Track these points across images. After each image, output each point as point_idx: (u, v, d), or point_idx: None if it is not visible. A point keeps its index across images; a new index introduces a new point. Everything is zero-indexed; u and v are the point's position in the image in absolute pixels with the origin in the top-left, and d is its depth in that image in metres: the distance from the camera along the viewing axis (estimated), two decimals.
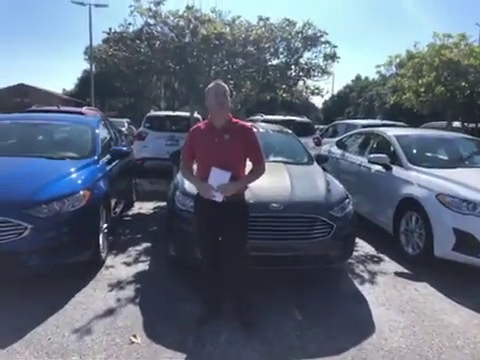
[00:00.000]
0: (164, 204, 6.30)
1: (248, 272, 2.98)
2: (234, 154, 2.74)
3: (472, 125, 11.03)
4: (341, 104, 41.04)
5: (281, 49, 7.55)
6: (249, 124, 2.91)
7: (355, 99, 38.47)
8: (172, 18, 7.18)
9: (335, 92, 45.16)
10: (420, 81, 10.29)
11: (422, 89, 10.38)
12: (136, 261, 4.16)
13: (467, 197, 3.98)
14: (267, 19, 7.48)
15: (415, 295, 3.61)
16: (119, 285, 3.56)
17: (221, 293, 3.08)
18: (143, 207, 6.55)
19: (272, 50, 7.44)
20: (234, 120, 2.83)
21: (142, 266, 4.04)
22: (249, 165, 2.87)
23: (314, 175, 4.21)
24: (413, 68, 10.37)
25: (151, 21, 7.20)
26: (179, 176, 4.13)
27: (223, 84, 2.77)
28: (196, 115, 9.12)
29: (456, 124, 11.19)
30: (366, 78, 43.79)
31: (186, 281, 3.64)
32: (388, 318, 3.16)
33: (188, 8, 7.20)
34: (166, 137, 8.92)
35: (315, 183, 3.94)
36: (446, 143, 5.79)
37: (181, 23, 7.17)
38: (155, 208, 6.58)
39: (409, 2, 64.64)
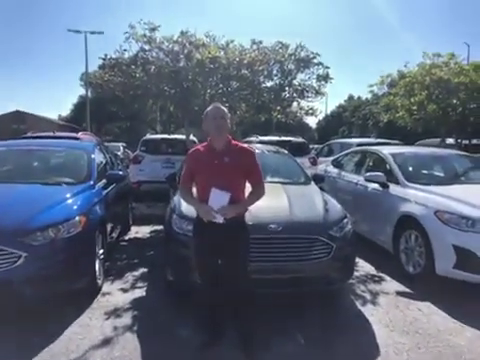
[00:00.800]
0: (161, 228, 6.24)
1: (252, 295, 2.91)
2: (234, 176, 2.72)
3: (465, 141, 11.15)
4: (335, 123, 41.55)
5: (275, 71, 7.68)
6: (248, 146, 2.90)
7: (348, 118, 38.98)
8: (167, 43, 7.31)
9: (329, 112, 45.81)
10: (412, 99, 10.46)
11: (414, 107, 10.53)
12: (133, 287, 4.08)
13: (466, 214, 3.96)
14: (260, 42, 7.64)
15: (418, 315, 3.54)
16: (116, 313, 3.47)
17: (222, 318, 3.00)
18: (140, 231, 6.48)
19: (266, 72, 7.56)
20: (234, 142, 2.82)
21: (139, 292, 3.95)
22: (248, 187, 2.85)
23: (312, 195, 4.19)
24: (405, 87, 10.56)
25: (146, 47, 7.31)
26: (176, 199, 4.09)
27: (221, 107, 2.78)
28: (192, 137, 9.17)
29: (450, 141, 11.31)
30: (359, 97, 44.52)
31: (185, 307, 3.55)
32: (393, 340, 3.09)
33: (182, 33, 7.34)
34: (162, 160, 8.92)
35: (313, 203, 3.92)
36: (441, 160, 5.83)
37: (175, 48, 7.28)
38: (152, 232, 6.51)
39: (397, 21, 66.40)
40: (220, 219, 2.65)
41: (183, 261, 3.47)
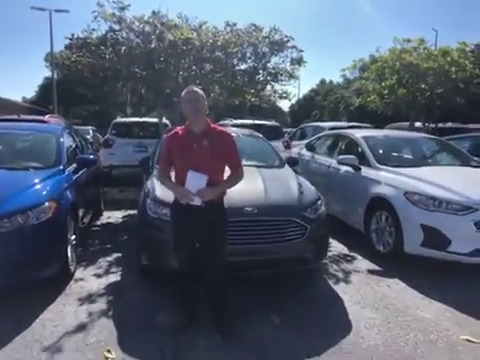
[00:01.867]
0: (134, 212, 6.14)
1: (227, 277, 2.94)
2: (212, 160, 2.70)
3: (432, 125, 11.51)
4: (307, 107, 41.90)
5: (248, 54, 7.59)
6: (227, 129, 2.87)
7: (320, 102, 39.37)
8: (137, 23, 7.06)
9: (301, 96, 46.06)
10: (383, 84, 10.66)
11: (385, 91, 10.75)
12: (107, 272, 4.02)
13: (433, 194, 4.12)
14: (234, 24, 7.52)
15: (388, 291, 3.69)
16: (90, 298, 3.41)
17: (197, 301, 3.02)
18: (112, 216, 6.37)
19: (240, 55, 7.47)
20: (212, 126, 2.80)
21: (113, 277, 3.90)
22: (227, 171, 2.84)
23: (286, 178, 4.23)
24: (376, 71, 10.73)
25: (116, 27, 7.04)
26: (149, 183, 4.04)
27: (197, 89, 2.74)
28: (164, 121, 9.00)
29: (418, 124, 11.64)
30: (331, 81, 45.04)
31: (160, 291, 3.54)
32: (363, 316, 3.21)
33: (154, 13, 7.11)
34: (134, 144, 8.75)
35: (288, 186, 3.95)
36: (410, 143, 6.00)
37: (147, 29, 7.06)
38: (125, 217, 6.41)
39: (369, 6, 66.95)
40: (198, 202, 2.63)
41: (158, 245, 3.44)
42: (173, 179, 2.85)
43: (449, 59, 9.77)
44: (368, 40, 62.24)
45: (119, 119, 10.70)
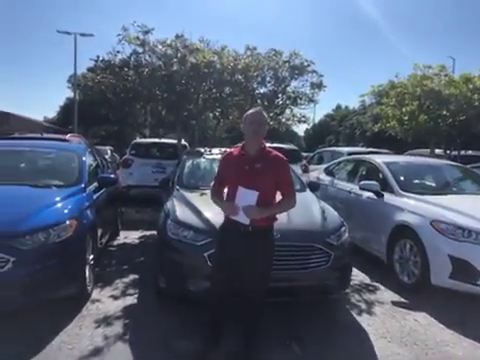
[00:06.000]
0: (151, 233, 6.14)
1: (265, 306, 2.84)
2: (264, 183, 2.65)
3: (454, 153, 11.32)
4: (322, 132, 41.92)
5: (268, 78, 7.65)
6: (283, 156, 2.82)
7: (336, 127, 39.35)
8: (160, 47, 7.23)
9: (316, 121, 46.21)
10: (404, 109, 10.57)
11: (406, 117, 10.65)
12: (124, 294, 3.94)
13: (462, 224, 3.96)
14: (254, 48, 7.62)
15: (415, 326, 3.51)
16: (106, 321, 3.33)
17: (224, 328, 2.90)
18: (129, 236, 6.33)
19: (260, 79, 7.54)
20: (268, 149, 2.76)
21: (130, 299, 3.82)
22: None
23: (309, 202, 4.14)
24: (396, 97, 10.67)
25: (139, 49, 7.22)
26: (170, 204, 4.01)
27: (262, 112, 2.75)
28: (183, 142, 9.07)
29: (438, 151, 11.46)
30: (346, 107, 45.08)
31: (177, 315, 3.44)
32: (391, 351, 3.04)
33: (177, 37, 7.28)
34: (152, 164, 8.81)
35: (311, 211, 3.86)
36: (434, 170, 5.86)
37: (169, 52, 7.21)
38: (141, 237, 6.37)
39: (386, 31, 67.77)
40: (246, 220, 2.57)
41: (177, 268, 3.37)
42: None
43: (471, 86, 9.68)
44: (383, 67, 62.62)
45: (139, 139, 10.83)
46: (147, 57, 7.31)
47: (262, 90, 7.88)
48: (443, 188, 5.38)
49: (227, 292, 2.82)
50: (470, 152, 11.55)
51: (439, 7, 67.30)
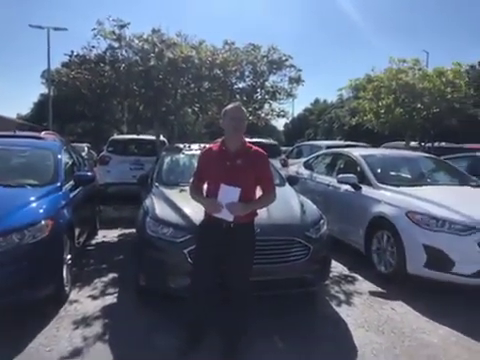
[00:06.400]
0: (129, 231, 6.07)
1: (251, 300, 2.85)
2: (245, 179, 2.65)
3: (428, 144, 11.61)
4: (301, 126, 42.27)
5: (247, 73, 7.63)
6: (263, 151, 2.81)
7: (314, 121, 39.72)
8: (137, 41, 7.10)
9: (295, 115, 46.54)
10: (380, 103, 10.77)
11: (382, 111, 10.85)
12: (103, 294, 3.89)
13: (436, 214, 4.08)
14: (232, 43, 7.58)
15: (392, 314, 3.60)
16: (85, 322, 3.28)
17: (205, 324, 2.90)
18: (107, 235, 6.24)
19: (238, 74, 7.51)
20: (248, 145, 2.75)
21: (110, 299, 3.77)
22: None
23: (288, 197, 4.17)
24: (373, 91, 10.86)
25: (115, 44, 7.08)
26: (149, 201, 3.97)
27: (241, 107, 2.73)
28: (161, 138, 8.97)
29: (413, 144, 11.74)
30: (324, 101, 45.56)
31: (158, 313, 3.42)
32: (369, 340, 3.11)
33: (153, 31, 7.16)
34: (130, 161, 8.68)
35: (290, 205, 3.90)
36: (409, 162, 5.99)
37: (146, 46, 7.09)
38: (120, 236, 6.29)
39: (364, 25, 68.63)
40: (229, 217, 2.57)
41: (157, 265, 3.35)
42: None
43: (444, 79, 9.94)
44: (360, 61, 63.43)
45: (116, 136, 10.65)
46: (123, 52, 7.17)
47: (241, 85, 7.85)
48: (418, 180, 5.51)
49: (208, 289, 2.82)
50: (443, 144, 11.87)
51: (416, 2, 68.55)
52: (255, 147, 2.82)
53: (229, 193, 2.59)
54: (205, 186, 2.82)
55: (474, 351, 2.98)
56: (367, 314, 3.59)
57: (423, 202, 4.33)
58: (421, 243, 4.03)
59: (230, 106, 2.73)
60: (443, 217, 4.02)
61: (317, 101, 48.29)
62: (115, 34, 6.96)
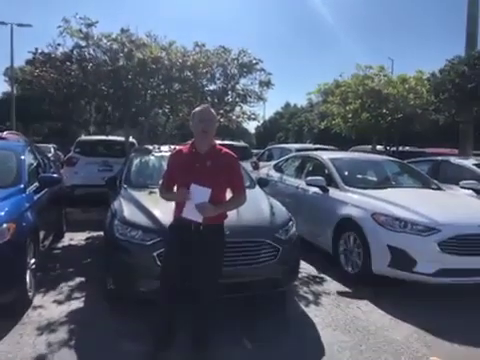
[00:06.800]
0: (98, 234, 5.93)
1: (218, 303, 2.84)
2: (215, 181, 2.64)
3: (393, 148, 12.04)
4: (272, 129, 42.79)
5: (218, 75, 7.65)
6: (233, 154, 2.81)
7: (285, 124, 40.30)
8: (105, 41, 6.96)
9: (267, 118, 47.01)
10: (347, 108, 11.09)
11: (349, 115, 11.18)
12: (69, 299, 3.79)
13: (399, 215, 4.23)
14: (203, 45, 7.59)
15: (358, 313, 3.70)
16: (50, 328, 3.18)
17: (175, 327, 2.88)
18: (74, 238, 6.07)
19: (209, 76, 7.52)
20: (218, 147, 2.75)
21: (76, 304, 3.68)
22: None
23: (258, 199, 4.21)
24: (340, 96, 11.16)
25: (82, 43, 6.91)
26: (117, 203, 3.90)
27: (210, 109, 2.72)
28: (131, 139, 8.83)
29: (379, 147, 12.14)
30: (295, 105, 46.31)
31: (127, 317, 3.37)
32: (336, 339, 3.19)
33: (122, 31, 7.05)
34: (99, 163, 8.48)
35: (260, 207, 3.94)
36: (375, 165, 6.21)
37: (115, 46, 6.97)
38: (88, 239, 6.13)
39: (335, 31, 70.30)
40: (198, 218, 2.56)
41: (126, 269, 3.31)
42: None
43: (407, 86, 10.35)
44: (330, 66, 64.84)
45: (83, 137, 10.39)
46: (91, 51, 7.01)
47: (212, 87, 7.86)
48: (383, 182, 5.71)
49: (177, 292, 2.80)
50: (407, 148, 12.34)
51: (385, 9, 70.98)
52: (225, 149, 2.83)
53: (199, 193, 2.58)
54: (175, 188, 2.81)
55: (433, 346, 3.11)
56: (334, 314, 3.67)
57: (387, 204, 4.49)
58: (385, 244, 4.18)
59: (198, 108, 2.73)
60: (406, 218, 4.19)
61: (288, 105, 49.01)
62: (82, 33, 6.80)
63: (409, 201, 4.55)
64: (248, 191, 4.66)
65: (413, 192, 5.31)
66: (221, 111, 8.18)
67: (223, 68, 7.62)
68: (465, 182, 5.97)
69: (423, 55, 59.02)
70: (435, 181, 5.83)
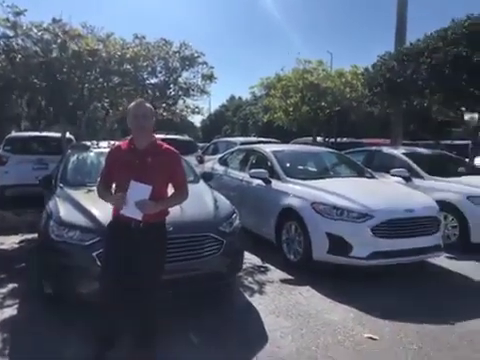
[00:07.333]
0: (33, 236, 5.61)
1: (163, 300, 2.81)
2: (156, 178, 2.57)
3: (332, 140, 12.59)
4: (218, 122, 42.80)
5: (159, 68, 7.52)
6: (174, 149, 2.75)
7: (231, 117, 40.49)
8: (36, 31, 6.54)
9: (212, 111, 46.91)
10: (288, 101, 11.40)
11: (291, 108, 11.50)
12: (1, 306, 3.56)
13: (336, 204, 4.47)
14: (143, 37, 7.40)
15: (300, 299, 3.87)
16: None
17: (118, 327, 2.82)
18: (6, 242, 5.70)
19: (150, 69, 7.37)
20: (158, 142, 2.69)
21: (9, 311, 3.47)
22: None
23: (201, 193, 4.23)
24: (282, 89, 11.44)
25: (10, 33, 6.45)
26: (52, 204, 3.73)
27: (145, 104, 2.63)
28: (68, 135, 8.41)
29: (319, 139, 12.64)
30: (240, 98, 46.63)
31: (65, 321, 3.24)
32: (278, 325, 3.32)
33: (54, 21, 6.66)
34: (33, 161, 8.00)
35: (203, 201, 3.96)
36: (315, 156, 6.47)
37: (46, 36, 6.58)
38: (21, 242, 5.78)
39: (280, 24, 71.48)
40: (138, 216, 2.49)
41: (64, 271, 3.18)
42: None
43: (344, 80, 10.85)
44: (274, 59, 66.10)
45: (15, 133, 9.71)
46: (20, 41, 6.57)
47: (153, 80, 7.72)
48: (322, 173, 5.97)
49: (119, 291, 2.74)
50: (345, 139, 12.97)
51: (326, 4, 73.28)
52: (166, 145, 2.80)
53: (139, 190, 2.54)
54: (113, 186, 2.74)
55: (367, 324, 3.35)
56: (277, 301, 3.81)
57: (326, 194, 4.71)
58: (324, 231, 4.39)
59: (132, 103, 2.66)
60: (342, 206, 4.43)
61: (233, 98, 49.20)
62: (9, 21, 6.34)
63: (345, 190, 4.80)
64: (192, 186, 4.68)
65: (349, 181, 5.61)
66: (164, 105, 8.07)
67: (164, 61, 7.50)
68: (395, 170, 6.43)
69: (361, 49, 61.99)
70: (369, 170, 6.20)
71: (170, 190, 2.81)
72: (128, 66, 7.03)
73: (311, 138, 12.41)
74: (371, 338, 3.12)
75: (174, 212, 3.53)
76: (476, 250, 5.33)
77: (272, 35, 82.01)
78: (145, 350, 2.72)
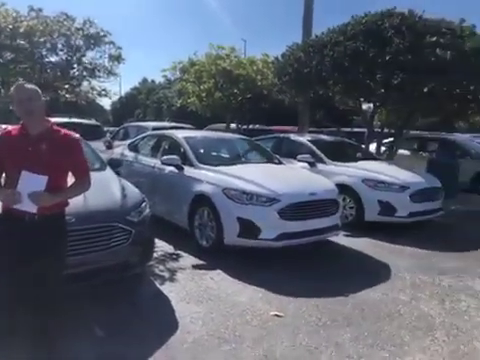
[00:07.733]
0: None
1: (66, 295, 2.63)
2: (52, 166, 2.33)
3: (244, 127, 12.90)
4: (130, 106, 41.03)
5: (60, 45, 6.97)
6: (75, 134, 2.52)
7: (144, 101, 39.06)
8: None
9: (123, 94, 44.78)
10: (202, 87, 11.33)
11: (204, 94, 11.45)
12: None
13: (246, 189, 4.62)
14: (40, 10, 6.74)
15: (211, 283, 3.96)
16: None
17: (17, 326, 2.59)
18: None
19: (49, 45, 6.78)
20: (55, 127, 2.43)
21: None
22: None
23: (107, 182, 4.03)
24: (195, 74, 11.32)
25: None
26: None
27: (29, 86, 2.33)
28: None
29: (233, 126, 12.85)
30: (153, 81, 45.14)
31: None
32: (189, 311, 3.36)
33: None
34: None
35: (109, 190, 3.78)
36: (226, 143, 6.58)
37: None
38: None
39: (202, 7, 69.98)
40: (32, 208, 2.26)
41: None
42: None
43: (255, 68, 11.11)
44: (189, 42, 64.94)
45: None
46: None
47: (53, 59, 7.14)
48: (234, 159, 6.10)
49: (16, 290, 2.52)
50: (257, 126, 13.38)
51: None
52: (65, 130, 2.59)
53: (32, 181, 2.32)
54: (3, 176, 2.48)
55: (274, 303, 3.56)
56: (189, 287, 3.85)
57: (236, 179, 4.84)
58: (235, 216, 4.52)
59: (13, 87, 2.40)
60: (252, 191, 4.59)
61: (145, 80, 47.45)
62: None
63: (255, 175, 4.98)
64: (97, 174, 4.45)
65: (259, 167, 5.82)
66: (66, 86, 7.50)
67: (66, 38, 6.96)
68: (301, 156, 6.84)
69: (275, 38, 63.89)
70: (277, 156, 6.49)
71: (71, 179, 2.64)
72: (22, 41, 6.37)
73: (225, 124, 12.57)
74: (277, 315, 3.33)
75: (77, 202, 3.32)
76: (369, 227, 5.95)
77: (188, 18, 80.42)
78: (46, 350, 2.57)
